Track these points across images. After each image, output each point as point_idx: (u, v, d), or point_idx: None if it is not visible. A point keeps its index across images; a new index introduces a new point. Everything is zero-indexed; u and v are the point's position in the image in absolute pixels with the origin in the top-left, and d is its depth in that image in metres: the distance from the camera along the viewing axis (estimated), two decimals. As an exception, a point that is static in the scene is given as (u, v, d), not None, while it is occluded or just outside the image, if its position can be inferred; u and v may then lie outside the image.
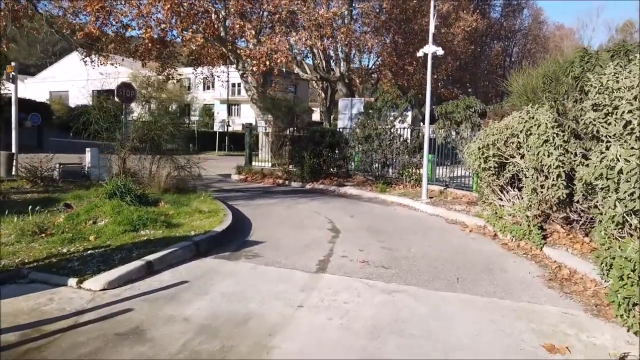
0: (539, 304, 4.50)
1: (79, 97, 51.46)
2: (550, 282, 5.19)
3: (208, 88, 48.47)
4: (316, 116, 54.33)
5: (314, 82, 40.19)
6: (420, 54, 11.58)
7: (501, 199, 7.76)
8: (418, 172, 12.77)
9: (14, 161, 12.93)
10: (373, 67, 32.00)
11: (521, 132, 6.68)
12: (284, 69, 42.97)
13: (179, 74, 28.22)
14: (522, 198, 6.89)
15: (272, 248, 6.28)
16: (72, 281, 4.49)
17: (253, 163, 18.02)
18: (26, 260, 4.99)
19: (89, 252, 5.31)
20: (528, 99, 8.02)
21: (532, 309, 4.37)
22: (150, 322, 3.80)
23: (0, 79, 21.24)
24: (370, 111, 13.40)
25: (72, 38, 23.91)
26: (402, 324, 3.90)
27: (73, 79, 52.44)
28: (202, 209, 7.95)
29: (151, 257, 5.10)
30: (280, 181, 15.38)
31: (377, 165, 13.62)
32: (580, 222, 6.38)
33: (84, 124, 9.72)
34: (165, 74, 25.95)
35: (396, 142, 13.14)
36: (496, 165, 7.44)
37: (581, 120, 5.52)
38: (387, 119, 13.18)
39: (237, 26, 21.45)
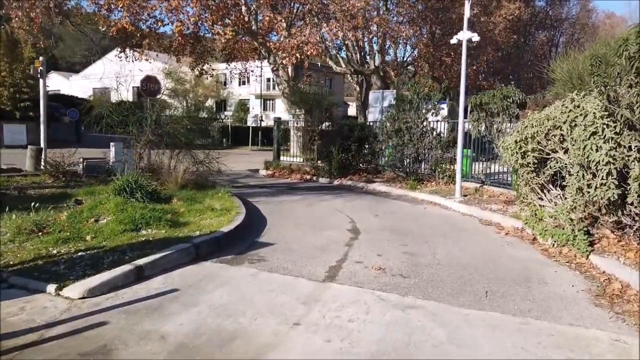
0: (583, 328, 3.76)
1: (120, 94, 52.77)
2: (598, 299, 4.41)
3: (243, 83, 48.52)
4: (352, 111, 53.56)
5: (348, 75, 39.53)
6: (454, 40, 10.76)
7: (541, 199, 6.94)
8: (452, 168, 11.96)
9: (42, 156, 12.94)
10: (409, 59, 30.98)
11: (564, 123, 5.86)
12: (319, 63, 42.45)
13: (213, 69, 28.10)
14: (566, 198, 6.07)
15: (281, 251, 5.74)
16: (51, 287, 4.08)
17: (282, 158, 17.55)
18: (11, 262, 4.63)
19: (79, 253, 4.92)
20: (574, 86, 7.15)
21: (574, 333, 3.64)
22: (122, 340, 3.32)
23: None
24: (401, 103, 12.65)
25: (108, 34, 24.17)
26: (413, 351, 3.26)
27: (114, 77, 53.68)
28: (214, 207, 7.50)
29: (142, 261, 4.65)
30: (308, 177, 14.86)
31: (408, 160, 12.87)
32: (635, 227, 5.53)
33: (96, 117, 9.43)
34: (199, 69, 25.85)
35: (428, 136, 12.35)
36: (536, 161, 6.63)
37: (637, 108, 4.69)
38: (419, 112, 12.39)
39: (267, 18, 21.04)
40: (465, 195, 10.41)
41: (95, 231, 5.69)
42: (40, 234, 5.58)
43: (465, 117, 11.28)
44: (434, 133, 12.54)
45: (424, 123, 12.40)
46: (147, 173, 9.70)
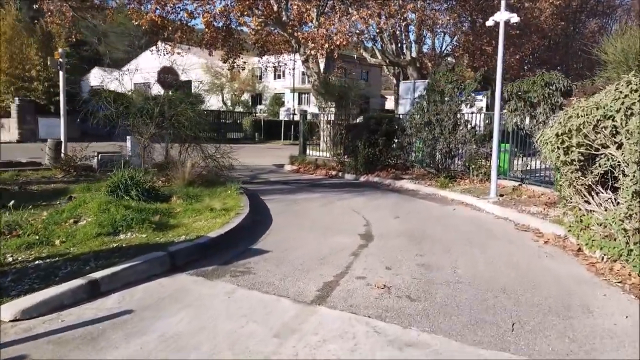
0: (642, 384, 2.80)
1: (160, 88, 53.49)
2: (661, 338, 3.41)
3: (279, 77, 48.09)
4: (390, 104, 52.16)
5: (384, 68, 38.34)
6: (490, 22, 9.64)
7: (588, 203, 5.86)
8: (488, 164, 10.85)
9: (62, 149, 12.67)
10: (447, 49, 29.52)
11: (618, 111, 4.80)
12: (355, 56, 41.39)
13: (244, 62, 27.62)
14: (619, 203, 5.01)
15: (274, 261, 4.95)
16: (-17, 306, 3.45)
17: (311, 152, 16.69)
18: (-45, 272, 4.06)
19: (37, 262, 4.30)
20: (629, 68, 6.01)
21: (630, 393, 2.69)
22: (32, 383, 2.62)
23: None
24: (431, 93, 11.60)
25: (141, 28, 24.12)
26: (402, 416, 2.42)
27: (154, 71, 54.46)
28: (214, 206, 6.79)
29: (100, 273, 3.97)
30: (333, 172, 14.04)
31: (439, 156, 11.84)
32: None
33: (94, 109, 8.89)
34: (230, 62, 25.40)
35: (462, 129, 11.27)
36: (582, 158, 5.57)
37: None
38: (452, 103, 11.32)
39: (296, 7, 20.27)
40: (501, 195, 9.33)
41: (67, 235, 5.07)
42: (8, 236, 5.02)
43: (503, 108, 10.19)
44: (468, 126, 11.44)
45: (457, 115, 11.32)
46: (153, 168, 9.16)
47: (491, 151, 9.83)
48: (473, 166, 11.15)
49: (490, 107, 16.76)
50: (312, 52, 20.58)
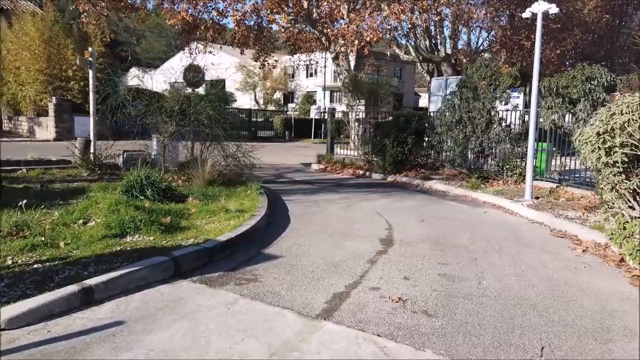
0: None
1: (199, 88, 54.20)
2: None
3: (311, 75, 47.97)
4: (425, 102, 51.15)
5: (418, 64, 37.57)
6: (527, 14, 9.06)
7: (633, 208, 5.31)
8: (523, 164, 10.27)
9: (91, 147, 12.77)
10: (483, 44, 28.57)
11: (670, 107, 4.27)
12: (388, 53, 40.77)
13: (275, 60, 27.54)
14: (668, 210, 4.47)
15: (283, 267, 4.66)
16: (-30, 314, 3.29)
17: (337, 151, 16.35)
18: (-48, 275, 3.93)
19: (36, 265, 4.13)
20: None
21: None
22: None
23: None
24: (463, 90, 11.07)
25: (173, 28, 24.34)
26: None
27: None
28: (229, 207, 6.54)
29: (95, 280, 3.75)
30: (361, 172, 13.66)
31: (471, 155, 11.29)
32: None
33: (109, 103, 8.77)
34: (261, 60, 25.33)
35: (495, 127, 10.70)
36: (626, 159, 5.03)
37: None
38: (486, 99, 10.75)
39: (326, 3, 19.97)
40: (537, 198, 8.76)
41: (74, 236, 4.92)
42: (15, 237, 4.90)
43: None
44: (503, 124, 10.86)
45: (491, 112, 10.74)
46: (175, 168, 9.02)
47: (527, 151, 9.26)
48: (507, 166, 10.57)
49: (528, 104, 16.04)
50: (342, 49, 20.23)
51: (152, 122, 8.82)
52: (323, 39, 22.70)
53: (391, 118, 13.70)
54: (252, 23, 23.10)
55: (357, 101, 15.35)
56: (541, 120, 10.18)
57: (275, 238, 5.78)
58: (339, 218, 7.27)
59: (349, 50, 20.43)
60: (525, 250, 5.68)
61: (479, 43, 29.45)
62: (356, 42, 19.68)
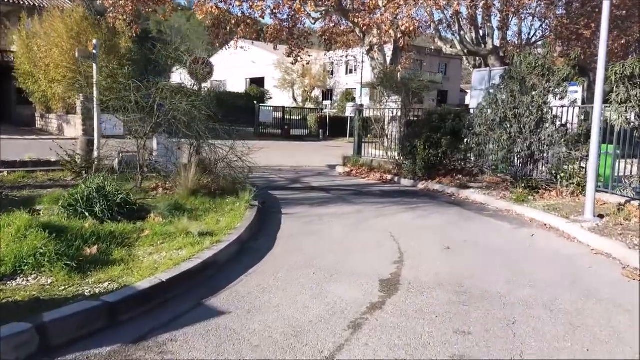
0: None
1: (233, 85, 53.75)
2: None
3: (350, 72, 46.28)
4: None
5: (464, 59, 35.20)
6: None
7: None
8: (582, 172, 8.34)
9: (94, 147, 11.75)
10: (537, 34, 26.01)
11: None
12: (432, 47, 38.56)
13: (310, 55, 26.15)
14: None
15: (217, 338, 3.13)
16: None
17: (370, 152, 14.45)
18: None
19: None
20: None
21: None
22: None
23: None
24: (508, 82, 9.20)
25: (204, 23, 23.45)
26: None
27: (229, 68, 54.88)
28: (191, 230, 5.09)
29: None
30: (389, 177, 11.99)
31: (517, 160, 9.41)
32: None
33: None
34: (294, 56, 24.03)
35: (548, 127, 8.78)
36: None
37: None
38: (536, 93, 8.84)
39: (358, -10, 18.35)
40: (601, 217, 6.86)
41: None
42: None
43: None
44: (557, 123, 8.93)
45: (542, 109, 8.82)
46: (151, 174, 7.72)
47: (587, 155, 7.36)
48: (562, 174, 8.62)
49: (586, 101, 13.81)
50: (375, 40, 18.55)
51: (126, 120, 7.54)
52: (357, 30, 21.10)
53: (408, 111, 11.95)
54: (285, 16, 21.91)
55: (387, 97, 13.64)
56: (603, 118, 8.21)
57: (236, 277, 4.27)
58: (338, 242, 5.69)
59: (382, 42, 18.72)
60: (588, 306, 3.93)
61: (531, 34, 26.91)
62: (391, 32, 17.96)
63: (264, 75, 51.42)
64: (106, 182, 5.69)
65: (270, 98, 43.83)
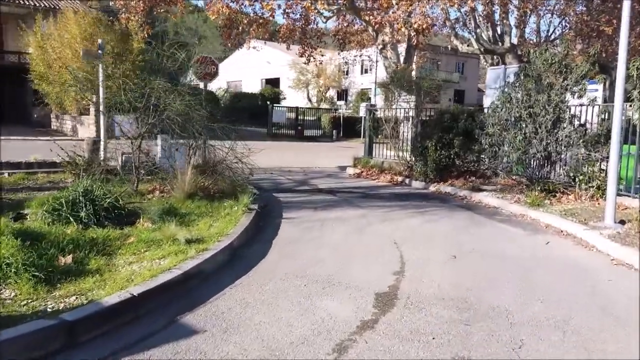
0: None
1: (249, 86, 53.72)
2: None
3: (366, 72, 45.82)
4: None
5: (482, 58, 34.56)
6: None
7: None
8: (603, 174, 7.86)
9: (101, 148, 11.60)
10: (556, 32, 25.29)
11: None
12: (448, 46, 37.90)
13: (322, 55, 25.86)
14: None
15: (187, 358, 2.84)
16: None
17: (379, 152, 13.99)
18: None
19: None
20: None
21: None
22: None
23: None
24: (523, 79, 8.74)
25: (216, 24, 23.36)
26: None
27: (245, 69, 54.94)
28: (178, 236, 4.80)
29: None
30: (399, 179, 11.59)
31: (533, 162, 8.94)
32: None
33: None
34: (306, 55, 23.76)
35: (565, 127, 8.30)
36: None
37: None
38: (553, 91, 8.37)
39: (370, -12, 17.99)
40: (623, 222, 6.40)
41: None
42: None
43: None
44: (575, 122, 8.45)
45: (559, 108, 8.35)
46: (146, 176, 7.47)
47: (608, 157, 6.90)
48: (580, 177, 8.14)
49: (609, 99, 13.22)
50: (388, 38, 18.15)
51: (119, 120, 7.30)
52: (370, 29, 20.72)
53: (418, 111, 11.54)
54: (297, 16, 21.66)
55: (399, 96, 13.24)
56: (624, 117, 7.71)
57: (220, 289, 3.95)
58: (337, 250, 5.35)
59: (395, 40, 18.31)
60: (607, 326, 3.52)
61: (550, 31, 26.20)
62: (404, 30, 17.54)
63: (279, 76, 51.24)
64: (94, 185, 5.45)
65: (284, 98, 43.57)
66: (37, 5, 29.27)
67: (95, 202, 5.25)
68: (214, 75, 11.24)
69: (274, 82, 52.19)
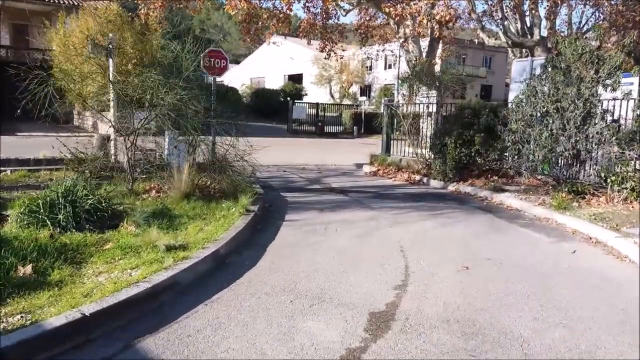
0: None
1: (272, 82, 53.45)
2: None
3: (389, 67, 44.92)
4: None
5: (510, 52, 33.40)
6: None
7: None
8: (637, 174, 7.16)
9: (111, 145, 11.37)
10: (588, 23, 24.08)
11: None
12: (475, 40, 36.80)
13: (343, 50, 25.31)
14: None
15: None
16: None
17: (401, 149, 13.31)
18: None
19: None
20: None
21: None
22: None
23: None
24: (550, 71, 8.05)
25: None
26: None
27: (268, 65, 54.70)
28: (157, 243, 4.38)
29: None
30: (417, 178, 11.01)
31: (561, 161, 8.25)
32: None
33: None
34: (327, 50, 23.28)
35: (597, 123, 7.60)
36: None
37: None
38: (583, 84, 7.67)
39: (390, -22, 17.35)
40: (660, 230, 5.72)
41: None
42: None
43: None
44: (608, 118, 7.73)
45: (590, 102, 7.64)
46: (142, 175, 7.12)
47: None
48: (613, 177, 7.42)
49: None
50: (408, 31, 17.47)
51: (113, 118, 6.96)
52: (391, 22, 20.08)
53: (438, 106, 10.90)
54: (317, 10, 21.21)
55: (417, 91, 12.63)
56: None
57: (193, 306, 3.51)
58: (336, 258, 4.85)
59: (416, 32, 17.61)
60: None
61: (582, 22, 24.99)
62: (425, 22, 16.85)
63: (302, 72, 50.79)
64: (77, 185, 5.09)
65: (306, 94, 43.07)
66: (61, 2, 29.54)
67: (76, 203, 4.89)
68: (223, 69, 10.77)
69: (297, 78, 51.78)
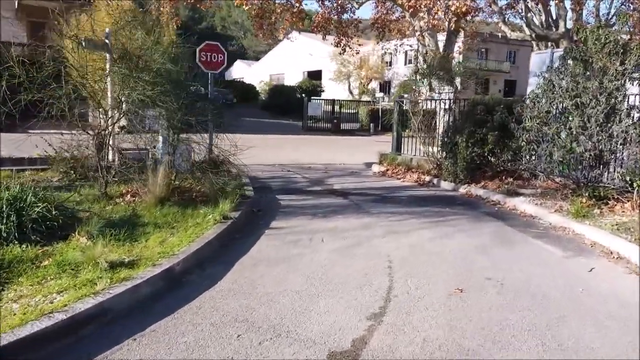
0: None
1: (291, 78, 52.94)
2: None
3: (409, 62, 43.91)
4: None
5: (534, 45, 32.13)
6: None
7: None
8: (669, 179, 6.33)
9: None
10: (618, 12, 22.76)
11: None
12: (499, 34, 35.54)
13: (360, 44, 24.60)
14: None
15: None
16: None
17: (415, 147, 12.52)
18: None
19: None
20: None
21: None
22: None
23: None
24: (570, 64, 7.25)
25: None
26: None
27: (287, 61, 54.24)
28: (99, 260, 3.83)
29: None
30: (427, 179, 10.30)
31: (581, 162, 7.44)
32: None
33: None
34: (341, 45, 22.65)
35: (622, 120, 6.77)
36: None
37: None
38: (606, 77, 6.86)
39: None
40: (695, 244, 4.93)
41: None
42: None
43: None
44: (634, 115, 6.91)
45: (614, 97, 6.82)
46: (114, 178, 6.60)
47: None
48: (639, 182, 6.61)
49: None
50: (423, 23, 16.68)
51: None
52: (407, 15, 19.31)
53: (451, 102, 10.15)
54: (333, 4, 20.62)
55: (428, 86, 11.88)
56: None
57: (116, 343, 2.90)
58: (310, 277, 4.22)
59: (431, 25, 16.78)
60: None
61: (611, 14, 23.67)
62: (440, 13, 16.04)
63: (321, 68, 50.11)
64: (28, 191, 4.59)
65: (323, 91, 42.42)
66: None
67: (22, 211, 4.39)
68: (220, 64, 10.26)
69: (316, 75, 51.15)
